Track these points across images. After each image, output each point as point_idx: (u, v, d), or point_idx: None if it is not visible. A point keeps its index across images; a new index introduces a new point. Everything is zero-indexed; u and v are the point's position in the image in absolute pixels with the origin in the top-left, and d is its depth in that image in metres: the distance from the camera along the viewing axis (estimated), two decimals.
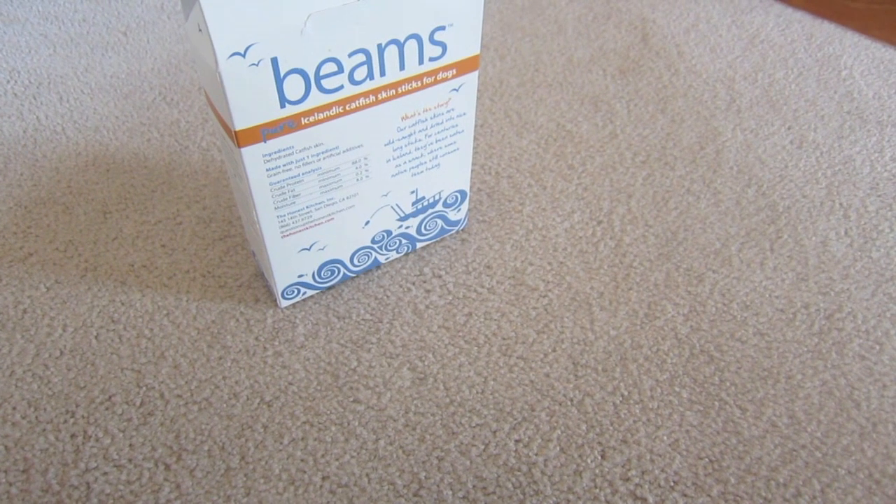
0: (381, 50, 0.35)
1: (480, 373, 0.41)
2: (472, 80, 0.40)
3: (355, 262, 0.45)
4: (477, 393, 0.40)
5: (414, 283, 0.47)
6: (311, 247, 0.41)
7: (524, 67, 0.69)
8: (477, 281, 0.47)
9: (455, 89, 0.40)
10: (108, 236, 0.50)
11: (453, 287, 0.47)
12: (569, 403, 0.40)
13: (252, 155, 0.35)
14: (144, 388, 0.40)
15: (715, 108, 0.64)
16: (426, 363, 0.42)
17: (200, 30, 0.30)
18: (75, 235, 0.50)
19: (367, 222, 0.42)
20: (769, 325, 0.45)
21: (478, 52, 0.39)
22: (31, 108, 0.63)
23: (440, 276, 0.47)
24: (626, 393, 0.41)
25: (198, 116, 0.62)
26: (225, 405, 0.39)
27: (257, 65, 0.31)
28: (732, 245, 0.50)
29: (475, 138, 0.60)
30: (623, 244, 0.50)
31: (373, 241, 0.44)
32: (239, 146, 0.34)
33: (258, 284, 0.46)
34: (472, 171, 0.56)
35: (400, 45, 0.35)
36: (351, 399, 0.40)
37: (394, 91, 0.37)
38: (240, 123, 0.33)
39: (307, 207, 0.39)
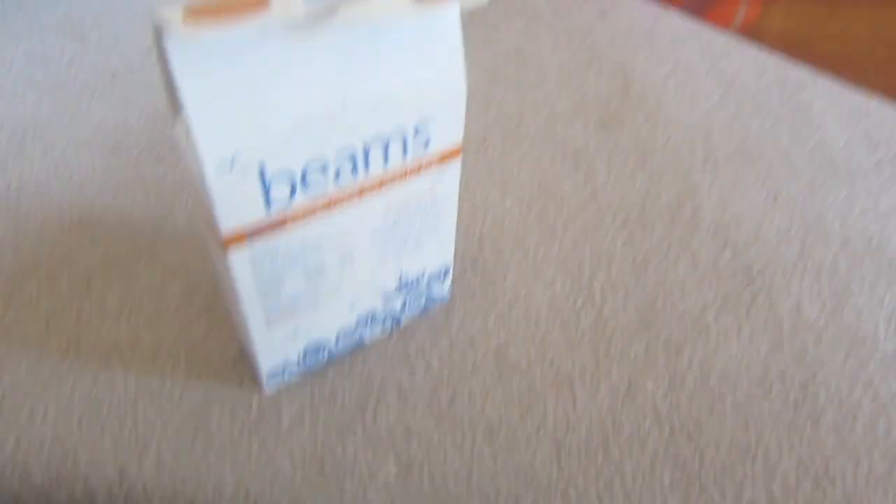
0: (366, 147, 0.34)
1: (465, 462, 0.40)
2: (455, 167, 0.39)
3: (340, 343, 0.44)
4: (462, 484, 0.39)
5: (398, 363, 0.46)
6: (295, 333, 0.40)
7: (508, 120, 0.68)
8: (461, 358, 0.46)
9: (439, 177, 0.39)
10: (92, 309, 0.49)
11: (437, 366, 0.46)
12: (553, 493, 0.39)
13: (237, 256, 0.34)
14: (127, 486, 0.39)
15: (692, 162, 0.63)
16: (411, 451, 0.41)
17: (187, 136, 0.29)
18: (58, 308, 0.49)
19: (352, 305, 0.41)
20: (746, 397, 0.45)
21: (460, 141, 0.38)
22: (16, 160, 0.61)
23: (424, 354, 0.46)
24: (608, 479, 0.40)
25: (183, 175, 0.60)
26: None
27: (244, 171, 0.30)
28: (709, 312, 0.50)
29: (458, 200, 0.59)
30: (603, 314, 0.49)
31: (357, 322, 0.43)
32: (224, 248, 0.33)
33: (242, 364, 0.45)
34: (456, 236, 0.55)
35: (385, 141, 0.34)
36: (337, 492, 0.39)
37: (378, 186, 0.36)
38: (226, 228, 0.32)
39: (292, 298, 0.38)
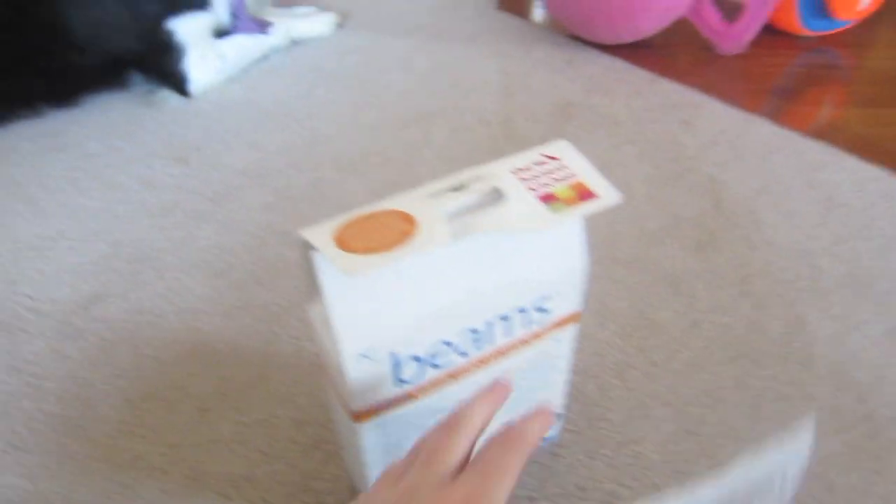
0: (489, 326, 0.36)
1: None
2: (572, 330, 0.40)
3: None
4: None
5: None
6: None
7: (599, 242, 0.69)
8: None
9: (556, 340, 0.40)
10: (209, 439, 0.51)
11: None
12: None
13: (366, 426, 0.36)
14: None
15: (798, 289, 0.62)
16: None
17: (325, 325, 0.32)
18: (178, 437, 0.51)
19: None
20: None
21: (580, 308, 0.40)
22: (133, 287, 0.65)
23: (533, 500, 0.46)
24: None
25: (287, 300, 0.63)
26: None
27: (377, 359, 0.33)
28: (832, 469, 0.48)
29: None
30: (716, 462, 0.48)
31: None
32: (354, 422, 0.35)
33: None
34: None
35: (507, 319, 0.36)
36: None
37: (500, 355, 0.38)
38: (357, 406, 0.34)
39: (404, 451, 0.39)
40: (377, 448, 0.37)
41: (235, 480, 0.48)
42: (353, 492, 0.47)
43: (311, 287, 0.33)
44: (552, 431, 0.48)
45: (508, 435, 0.30)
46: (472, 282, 0.34)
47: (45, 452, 0.50)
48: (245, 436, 0.51)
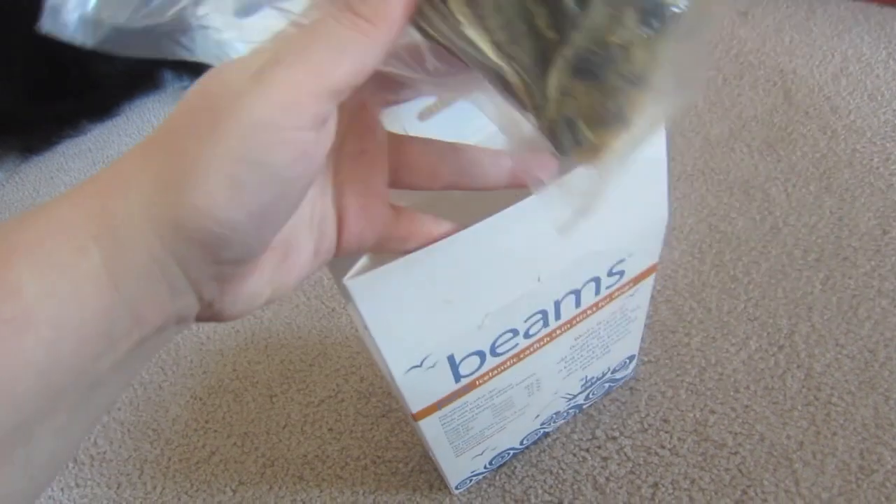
0: (557, 304, 0.34)
1: None
2: (649, 281, 0.38)
3: (524, 442, 0.44)
4: None
5: (588, 451, 0.45)
6: (483, 452, 0.41)
7: None
8: (656, 440, 0.45)
9: (631, 295, 0.38)
10: (279, 424, 0.53)
11: (631, 451, 0.45)
12: None
13: (429, 422, 0.35)
14: None
15: (890, 175, 0.58)
16: None
17: (372, 343, 0.30)
18: (249, 426, 0.54)
19: (538, 416, 0.42)
20: None
21: (657, 260, 0.37)
22: None
23: (615, 439, 0.46)
24: None
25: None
26: None
27: (434, 366, 0.31)
28: None
29: None
30: (814, 374, 0.46)
31: (542, 424, 0.44)
32: (415, 421, 0.35)
33: (429, 467, 0.47)
34: None
35: (577, 292, 0.34)
36: None
37: (569, 326, 0.36)
38: (416, 408, 0.34)
39: (480, 431, 0.39)
40: (441, 436, 0.37)
41: (309, 461, 0.50)
42: (426, 456, 0.48)
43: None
44: (629, 369, 0.47)
45: None
46: (539, 268, 0.31)
47: (125, 460, 0.53)
48: (313, 416, 0.53)
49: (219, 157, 0.17)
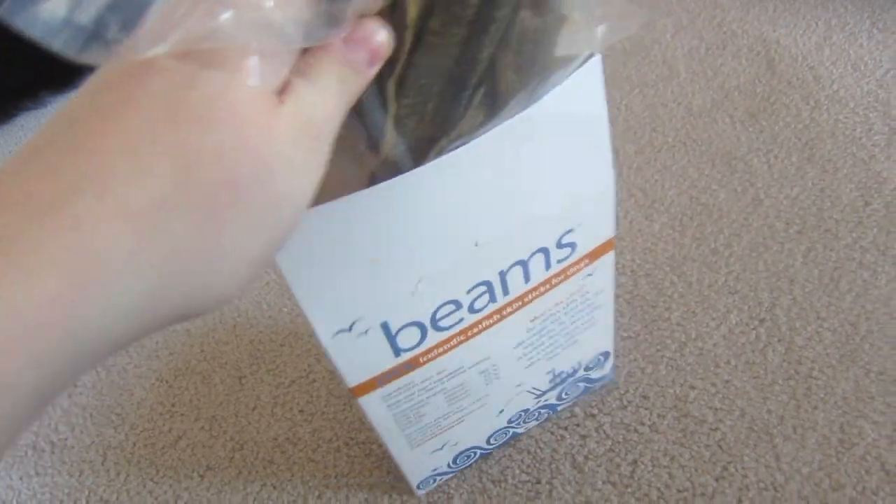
0: (502, 275, 0.32)
1: None
2: (607, 260, 0.36)
3: (491, 441, 0.43)
4: None
5: (566, 429, 0.45)
6: (442, 447, 0.40)
7: (639, 128, 0.66)
8: (635, 417, 0.45)
9: (589, 275, 0.36)
10: (248, 406, 0.52)
11: (610, 429, 0.44)
12: None
13: (370, 400, 0.34)
14: None
15: (872, 145, 0.58)
16: None
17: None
18: (217, 409, 0.53)
19: (502, 411, 0.41)
20: None
21: (612, 234, 0.35)
22: None
23: (594, 416, 0.45)
24: None
25: None
26: None
27: (366, 333, 0.30)
28: None
29: None
30: (795, 347, 0.46)
31: (508, 423, 0.43)
32: (355, 398, 0.33)
33: None
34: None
35: (524, 263, 0.32)
36: None
37: (520, 303, 0.34)
38: (352, 381, 0.32)
39: (435, 420, 0.38)
40: (388, 420, 0.36)
41: (280, 444, 0.49)
42: None
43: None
44: (605, 371, 0.45)
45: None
46: (477, 233, 0.29)
47: (87, 446, 0.52)
48: (284, 397, 0.52)
49: (249, 247, 0.16)
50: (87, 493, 0.49)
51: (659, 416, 0.45)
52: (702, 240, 0.54)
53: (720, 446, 0.42)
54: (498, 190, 0.28)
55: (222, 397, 0.53)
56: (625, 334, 0.49)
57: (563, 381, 0.42)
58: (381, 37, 0.19)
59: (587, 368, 0.43)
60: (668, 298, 0.51)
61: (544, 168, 0.29)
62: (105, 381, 0.57)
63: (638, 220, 0.57)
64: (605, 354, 0.43)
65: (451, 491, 0.44)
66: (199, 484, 0.48)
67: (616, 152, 0.63)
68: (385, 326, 0.30)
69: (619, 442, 0.44)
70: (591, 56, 0.27)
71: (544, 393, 0.42)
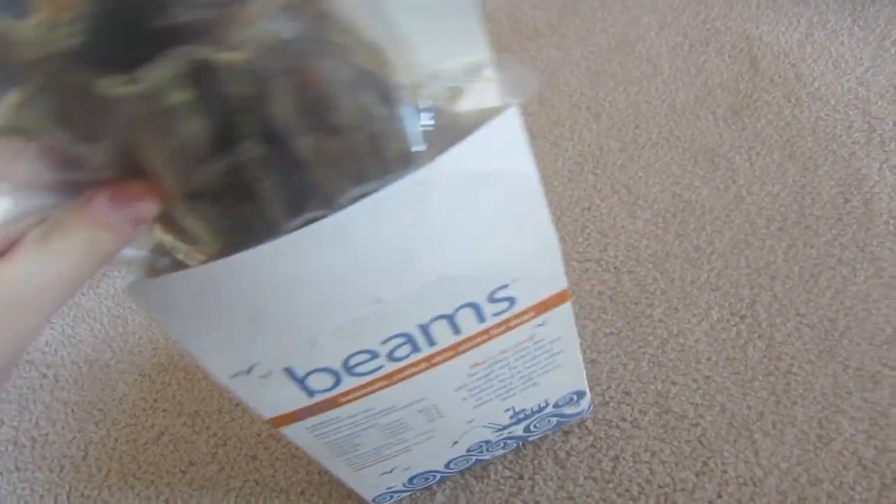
0: (424, 328, 0.30)
1: None
2: (562, 311, 0.34)
3: (451, 466, 0.42)
4: None
5: None
6: (392, 471, 0.39)
7: (623, 125, 0.66)
8: (617, 413, 0.45)
9: (540, 325, 0.34)
10: (231, 402, 0.52)
11: (592, 425, 0.45)
12: None
13: (293, 430, 0.33)
14: None
15: (852, 143, 0.58)
16: None
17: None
18: (200, 405, 0.53)
19: (456, 442, 0.39)
20: None
21: (564, 287, 0.32)
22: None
23: None
24: None
25: None
26: None
27: (268, 376, 0.29)
28: None
29: (584, 227, 0.58)
30: (775, 343, 0.46)
31: (468, 451, 0.41)
32: (275, 427, 0.33)
33: None
34: (588, 268, 0.54)
35: (450, 318, 0.30)
36: None
37: (452, 352, 0.32)
38: (267, 414, 0.32)
39: (374, 450, 0.37)
40: (319, 448, 0.35)
41: (263, 440, 0.49)
42: None
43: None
44: (581, 407, 0.43)
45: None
46: (378, 291, 0.28)
47: (68, 441, 0.52)
48: None
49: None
50: (67, 488, 0.49)
51: (640, 411, 0.45)
52: (684, 236, 0.55)
53: (700, 442, 0.43)
54: (397, 249, 0.27)
55: (205, 393, 0.53)
56: (607, 331, 0.50)
57: (527, 417, 0.40)
58: (143, 205, 0.21)
59: (558, 405, 0.41)
60: (651, 295, 0.51)
61: (458, 227, 0.27)
62: (87, 376, 0.56)
63: (621, 216, 0.58)
64: (579, 393, 0.41)
65: (434, 487, 0.44)
66: (181, 480, 0.48)
67: (600, 149, 0.63)
68: (289, 371, 0.29)
69: (600, 438, 0.44)
70: (506, 107, 0.25)
71: (506, 427, 0.40)
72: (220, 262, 0.24)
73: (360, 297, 0.28)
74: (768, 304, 0.49)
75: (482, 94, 0.25)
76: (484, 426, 0.39)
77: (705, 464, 0.42)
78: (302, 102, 0.21)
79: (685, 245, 0.54)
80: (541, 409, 0.40)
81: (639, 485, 0.41)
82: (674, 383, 0.46)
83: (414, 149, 0.24)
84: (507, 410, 0.38)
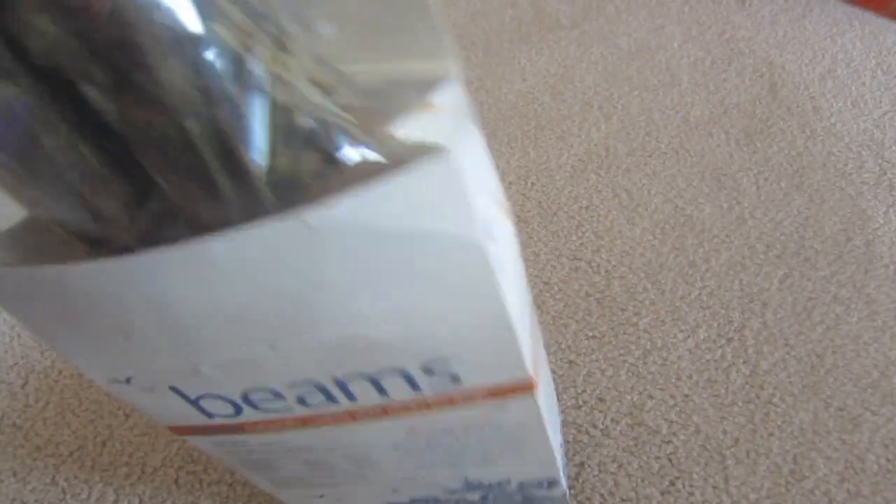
0: (341, 383, 0.26)
1: None
2: (525, 402, 0.28)
3: None
4: None
5: None
6: (323, 496, 0.36)
7: (633, 130, 0.64)
8: (588, 419, 0.43)
9: (500, 409, 0.29)
10: None
11: (561, 427, 0.43)
12: None
13: (197, 441, 0.30)
14: None
15: (861, 182, 0.57)
16: None
17: None
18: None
19: (395, 490, 0.35)
20: None
21: (528, 376, 0.27)
22: None
23: None
24: None
25: None
26: None
27: (152, 390, 0.26)
28: (895, 376, 0.44)
29: (579, 226, 0.56)
30: (759, 371, 0.45)
31: (412, 501, 0.37)
32: (178, 435, 0.30)
33: None
34: (578, 267, 0.53)
35: (374, 379, 0.26)
36: None
37: (381, 412, 0.28)
38: (162, 422, 0.29)
39: (299, 478, 0.33)
40: (236, 462, 0.32)
41: None
42: None
43: None
44: (553, 494, 0.37)
45: None
46: (263, 333, 0.23)
47: (8, 367, 0.49)
48: None
49: None
50: (0, 415, 0.46)
51: (613, 420, 0.43)
52: (681, 250, 0.53)
53: (670, 460, 0.41)
54: (285, 297, 0.22)
55: None
56: (590, 334, 0.48)
57: (485, 488, 0.35)
58: None
59: (524, 487, 0.36)
60: (639, 304, 0.50)
61: (371, 285, 0.22)
62: None
63: (619, 221, 0.56)
64: (551, 482, 0.35)
65: None
66: (124, 423, 0.46)
67: (606, 150, 0.62)
68: (176, 390, 0.26)
69: (568, 441, 0.43)
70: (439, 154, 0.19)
71: (461, 492, 0.35)
72: (81, 266, 0.20)
73: (249, 337, 0.23)
74: (757, 330, 0.47)
75: (426, 121, 0.19)
76: (435, 484, 0.34)
77: (672, 483, 0.40)
78: (88, 36, 0.15)
79: (680, 259, 0.52)
80: (502, 485, 0.35)
81: (601, 495, 0.40)
82: (651, 397, 0.44)
83: (290, 168, 0.19)
84: (461, 480, 0.34)
